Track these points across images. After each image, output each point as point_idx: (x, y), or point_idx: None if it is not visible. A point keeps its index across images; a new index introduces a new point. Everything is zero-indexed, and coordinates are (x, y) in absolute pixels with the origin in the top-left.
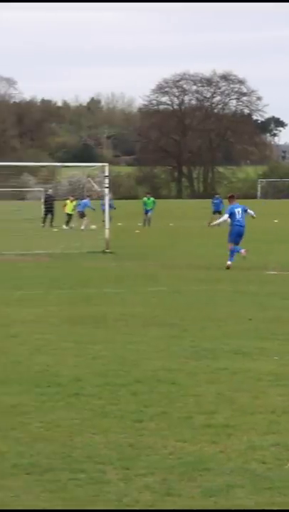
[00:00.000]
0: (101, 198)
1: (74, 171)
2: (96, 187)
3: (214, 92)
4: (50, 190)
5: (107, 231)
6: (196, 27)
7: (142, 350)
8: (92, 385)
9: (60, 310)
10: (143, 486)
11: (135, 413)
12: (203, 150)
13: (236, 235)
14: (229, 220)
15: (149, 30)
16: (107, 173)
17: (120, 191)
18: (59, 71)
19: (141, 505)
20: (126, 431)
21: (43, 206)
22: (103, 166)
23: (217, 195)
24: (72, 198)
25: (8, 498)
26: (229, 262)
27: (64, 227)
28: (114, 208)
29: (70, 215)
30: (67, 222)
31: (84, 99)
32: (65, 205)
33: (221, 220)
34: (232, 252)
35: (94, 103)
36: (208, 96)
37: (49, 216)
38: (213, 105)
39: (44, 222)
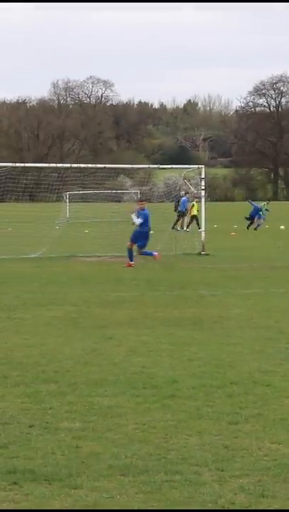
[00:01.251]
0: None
1: (170, 173)
2: (192, 189)
3: None
4: (182, 193)
5: (202, 233)
6: None
7: (237, 352)
8: (187, 387)
9: (156, 312)
10: (238, 488)
11: (230, 415)
12: None
13: None
14: None
15: (246, 31)
16: (203, 175)
17: (216, 193)
18: (156, 73)
19: (236, 506)
20: (221, 433)
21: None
22: (199, 167)
23: None
24: (197, 200)
25: (103, 500)
26: None
27: (185, 229)
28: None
29: (194, 217)
30: (188, 225)
31: (181, 101)
32: (192, 207)
33: None
34: None
35: (191, 105)
36: None
37: (183, 219)
38: None
39: (175, 225)
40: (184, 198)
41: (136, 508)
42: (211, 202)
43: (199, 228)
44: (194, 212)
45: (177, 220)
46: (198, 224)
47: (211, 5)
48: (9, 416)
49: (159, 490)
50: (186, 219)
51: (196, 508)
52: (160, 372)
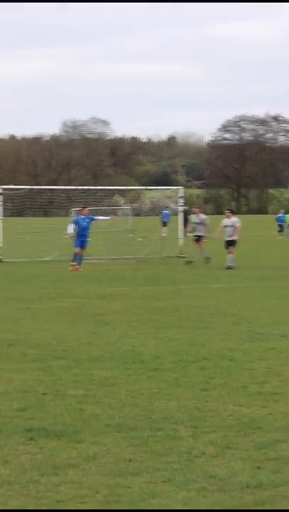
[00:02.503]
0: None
1: (155, 193)
2: (172, 205)
3: (267, 130)
4: (186, 207)
5: (180, 240)
6: (254, 78)
7: (208, 334)
8: (168, 362)
9: (143, 302)
10: (208, 441)
11: (202, 383)
12: (258, 176)
13: None
14: None
15: (213, 80)
16: (182, 195)
17: (191, 208)
18: (144, 114)
19: (207, 456)
20: (195, 398)
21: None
22: (178, 189)
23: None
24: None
25: (101, 451)
26: None
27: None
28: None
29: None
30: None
31: (164, 136)
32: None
33: None
34: None
35: (172, 139)
36: (262, 133)
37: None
38: (267, 140)
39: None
40: (165, 212)
41: (136, 508)
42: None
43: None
44: None
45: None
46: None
47: (192, 60)
48: (27, 385)
49: (146, 443)
50: (165, 228)
51: (196, 508)
52: (146, 350)
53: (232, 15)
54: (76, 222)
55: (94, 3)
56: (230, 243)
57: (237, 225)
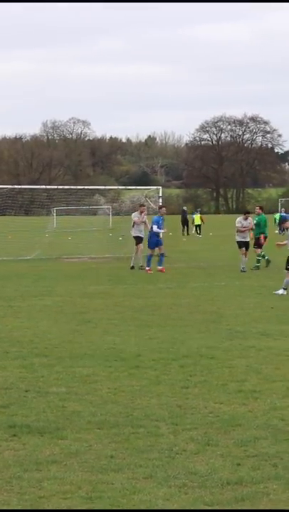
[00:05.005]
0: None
1: (134, 193)
2: (152, 205)
3: (244, 131)
4: (184, 207)
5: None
6: (232, 80)
7: (188, 332)
8: (149, 359)
9: (124, 301)
10: (189, 438)
11: (182, 381)
12: (235, 176)
13: None
14: None
15: (194, 82)
16: (160, 194)
17: (171, 208)
18: (123, 114)
19: (188, 453)
20: (175, 395)
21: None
22: (157, 188)
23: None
24: (199, 210)
25: (83, 448)
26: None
27: (197, 235)
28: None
29: (198, 226)
30: (199, 232)
31: (143, 137)
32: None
33: None
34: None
35: (151, 139)
36: (240, 134)
37: (185, 227)
38: (244, 141)
39: (183, 232)
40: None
41: (136, 508)
42: (167, 215)
43: (199, 234)
44: (198, 221)
45: None
46: (198, 231)
47: (170, 61)
48: (10, 383)
49: (127, 440)
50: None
51: (197, 509)
52: (128, 348)
53: (208, 16)
54: (156, 222)
55: (71, 3)
56: (248, 245)
57: (251, 224)
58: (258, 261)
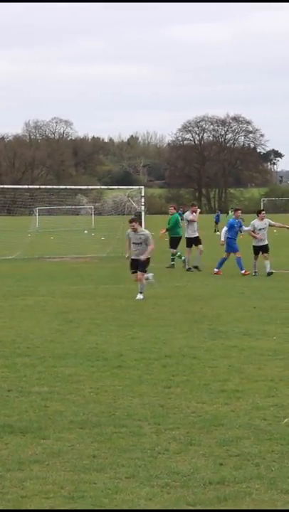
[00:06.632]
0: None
1: (117, 193)
2: (134, 205)
3: (227, 131)
4: (181, 209)
5: None
6: (214, 80)
7: (170, 332)
8: (131, 359)
9: (106, 301)
10: (171, 438)
11: (165, 381)
12: (218, 176)
13: None
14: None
15: (176, 82)
16: (143, 194)
17: (153, 208)
18: (105, 114)
19: (170, 452)
20: (158, 395)
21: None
22: (140, 188)
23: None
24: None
25: (66, 448)
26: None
27: None
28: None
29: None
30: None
31: (125, 136)
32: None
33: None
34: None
35: (133, 139)
36: (222, 133)
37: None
38: (226, 141)
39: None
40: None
41: (136, 508)
42: (150, 215)
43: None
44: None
45: None
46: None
47: (152, 61)
48: None
49: (110, 440)
50: None
51: (197, 509)
52: (110, 348)
53: (190, 16)
54: (239, 225)
55: (54, 3)
56: (265, 248)
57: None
58: (173, 259)
